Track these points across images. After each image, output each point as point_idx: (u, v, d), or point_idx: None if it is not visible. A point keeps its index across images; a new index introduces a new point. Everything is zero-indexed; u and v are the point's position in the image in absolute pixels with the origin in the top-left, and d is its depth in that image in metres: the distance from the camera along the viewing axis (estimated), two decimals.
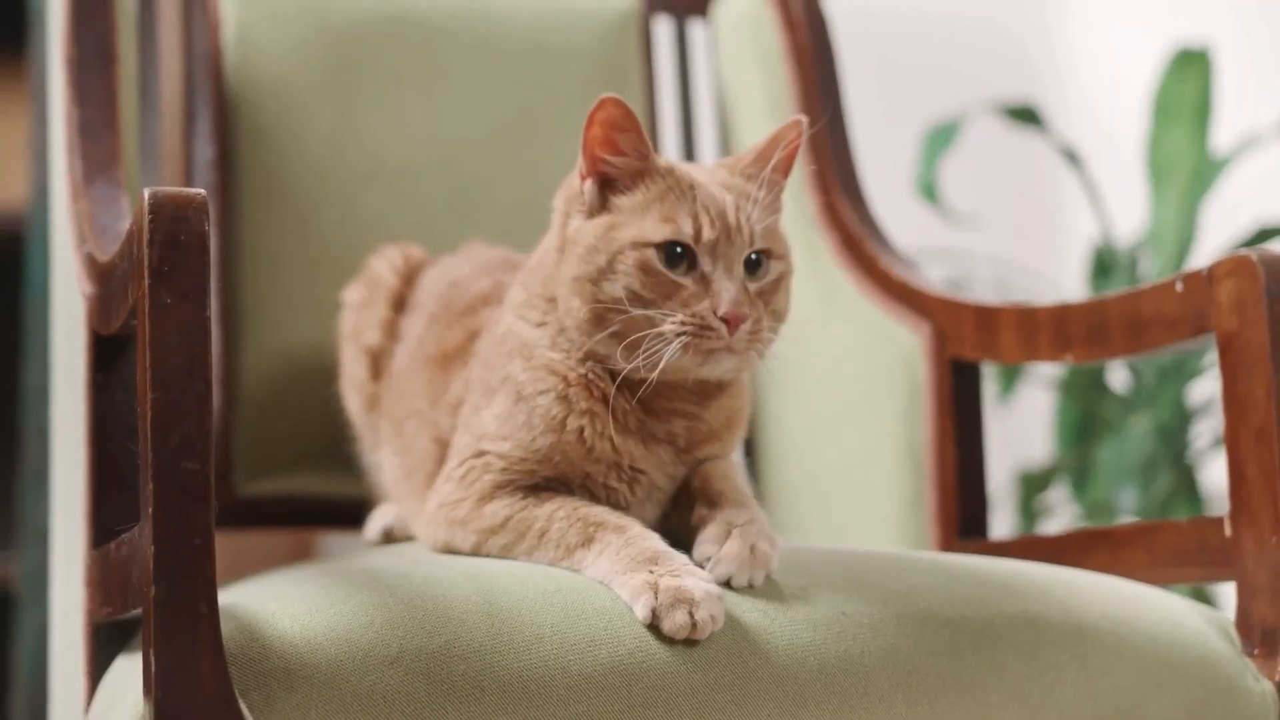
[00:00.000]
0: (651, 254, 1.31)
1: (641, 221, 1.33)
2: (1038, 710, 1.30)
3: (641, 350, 1.31)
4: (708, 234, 1.31)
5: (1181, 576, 1.48)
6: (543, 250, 1.41)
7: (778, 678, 1.24)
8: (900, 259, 1.83)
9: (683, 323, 1.30)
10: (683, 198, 1.33)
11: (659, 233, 1.32)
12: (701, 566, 1.26)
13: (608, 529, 1.29)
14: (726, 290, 1.30)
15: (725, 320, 1.29)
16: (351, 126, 1.90)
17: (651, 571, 1.24)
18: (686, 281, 1.31)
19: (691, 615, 1.21)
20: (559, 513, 1.32)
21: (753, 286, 1.33)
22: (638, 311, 1.31)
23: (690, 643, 1.22)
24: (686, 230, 1.31)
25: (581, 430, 1.35)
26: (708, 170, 1.38)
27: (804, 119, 1.36)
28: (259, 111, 1.87)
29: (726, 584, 1.26)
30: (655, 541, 1.28)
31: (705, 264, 1.31)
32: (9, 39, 2.91)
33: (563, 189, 1.40)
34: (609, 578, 1.26)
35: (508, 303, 1.43)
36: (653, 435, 1.37)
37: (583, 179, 1.36)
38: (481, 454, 1.38)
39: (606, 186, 1.36)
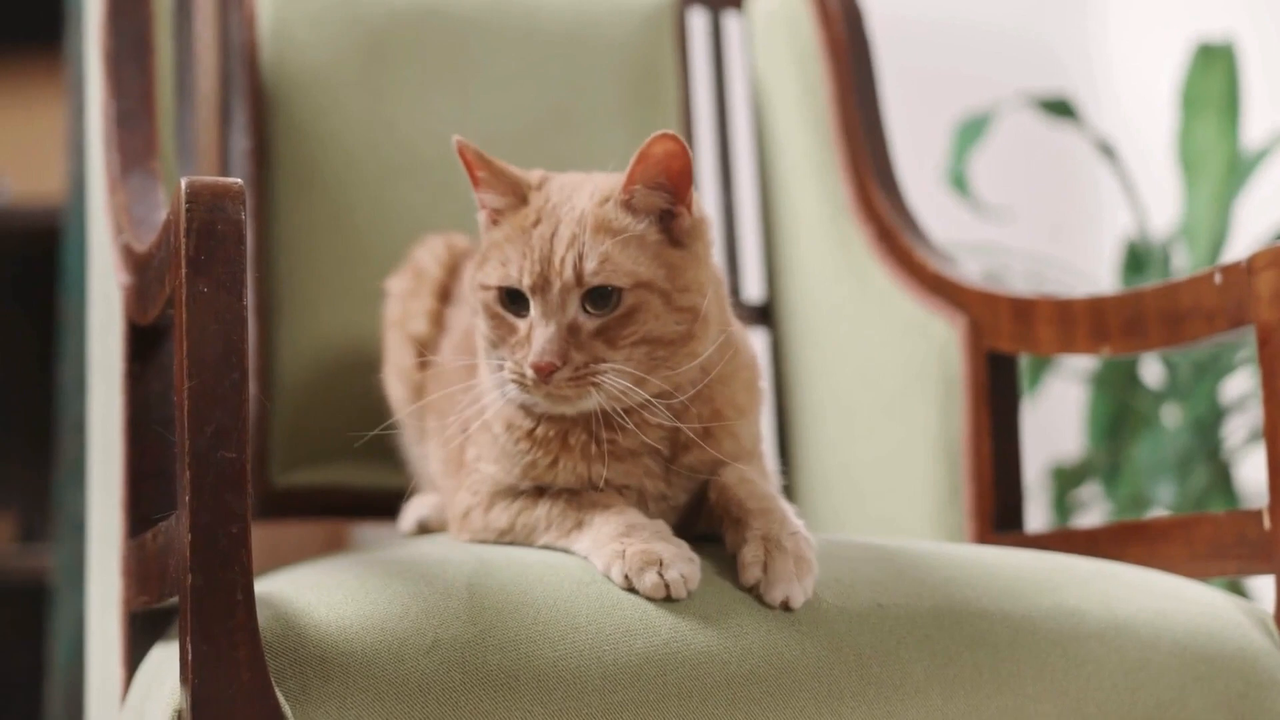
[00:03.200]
0: (492, 297, 1.32)
1: (490, 261, 1.33)
2: (1076, 703, 1.30)
3: (502, 389, 1.33)
4: (526, 279, 1.29)
5: (1220, 570, 1.46)
6: None
7: (813, 669, 1.24)
8: (935, 251, 1.82)
9: (510, 370, 1.31)
10: (521, 236, 1.31)
11: (494, 276, 1.31)
12: (752, 592, 1.25)
13: (595, 510, 1.31)
14: (538, 339, 1.29)
15: (536, 369, 1.28)
16: (386, 119, 1.90)
17: (622, 541, 1.25)
18: (521, 325, 1.31)
19: (661, 575, 1.23)
20: (554, 509, 1.34)
21: (592, 324, 1.29)
22: (493, 351, 1.33)
23: (669, 600, 1.23)
24: (513, 274, 1.30)
25: (543, 458, 1.35)
26: (588, 193, 1.33)
27: (675, 133, 1.30)
28: (295, 104, 1.87)
29: (786, 606, 1.25)
30: (633, 515, 1.29)
31: (534, 308, 1.30)
32: (45, 33, 2.92)
33: None
34: (589, 553, 1.28)
35: None
36: (630, 450, 1.35)
37: (468, 172, 1.37)
38: (480, 470, 1.40)
39: (494, 218, 1.36)
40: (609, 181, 1.34)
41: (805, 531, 1.29)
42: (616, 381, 1.29)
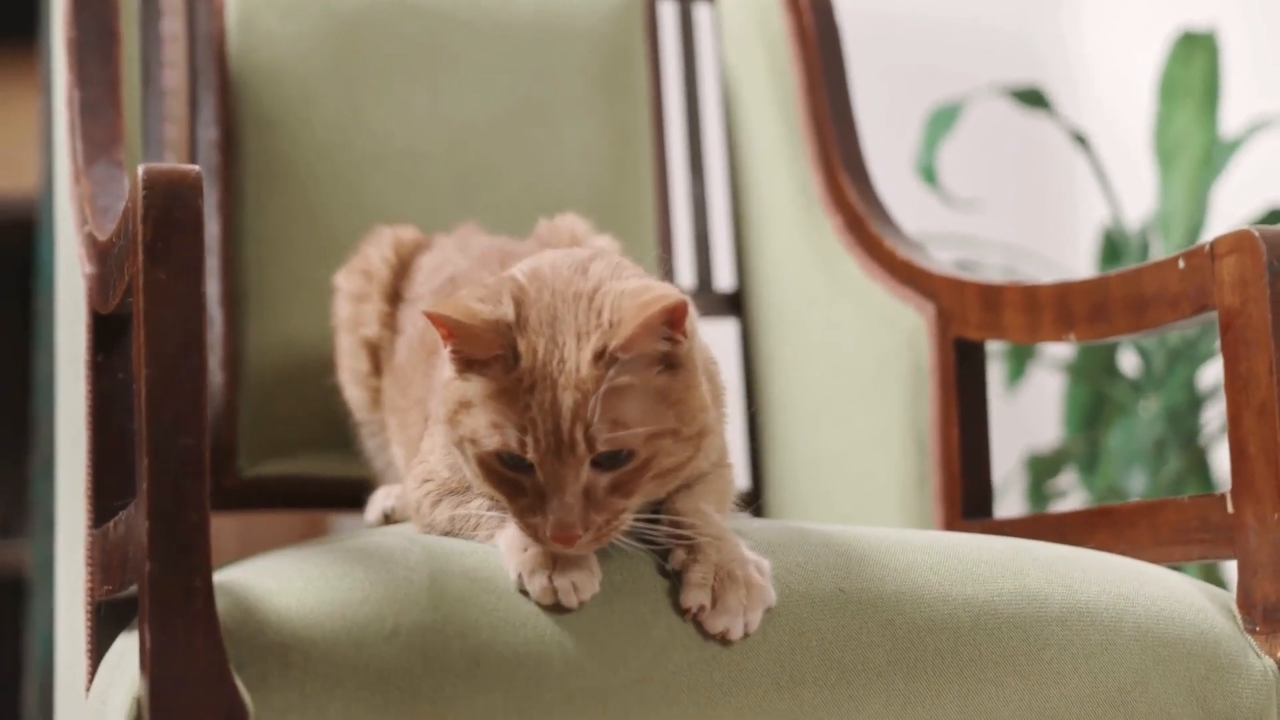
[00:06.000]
0: (488, 454, 1.24)
1: (480, 417, 1.23)
2: (1037, 686, 1.30)
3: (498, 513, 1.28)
4: (532, 454, 1.22)
5: (1184, 555, 1.47)
6: None
7: (776, 654, 1.24)
8: (904, 239, 1.82)
9: (518, 524, 1.24)
10: (516, 402, 1.22)
11: (490, 440, 1.23)
12: (695, 615, 1.23)
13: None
14: (554, 512, 1.21)
15: (556, 540, 1.21)
16: (357, 110, 1.90)
17: (527, 549, 1.23)
18: (525, 483, 1.23)
19: (575, 588, 1.21)
20: (484, 505, 1.31)
21: (605, 479, 1.22)
22: (487, 489, 1.26)
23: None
24: (512, 445, 1.22)
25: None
26: (577, 338, 1.23)
27: (681, 296, 1.21)
28: (263, 95, 1.87)
29: (724, 638, 1.23)
30: None
31: (539, 474, 1.22)
32: (21, 27, 2.92)
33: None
34: (504, 557, 1.25)
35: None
36: None
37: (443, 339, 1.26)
38: (429, 465, 1.38)
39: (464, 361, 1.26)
40: (598, 313, 1.24)
41: (760, 558, 1.27)
42: (631, 517, 1.25)
